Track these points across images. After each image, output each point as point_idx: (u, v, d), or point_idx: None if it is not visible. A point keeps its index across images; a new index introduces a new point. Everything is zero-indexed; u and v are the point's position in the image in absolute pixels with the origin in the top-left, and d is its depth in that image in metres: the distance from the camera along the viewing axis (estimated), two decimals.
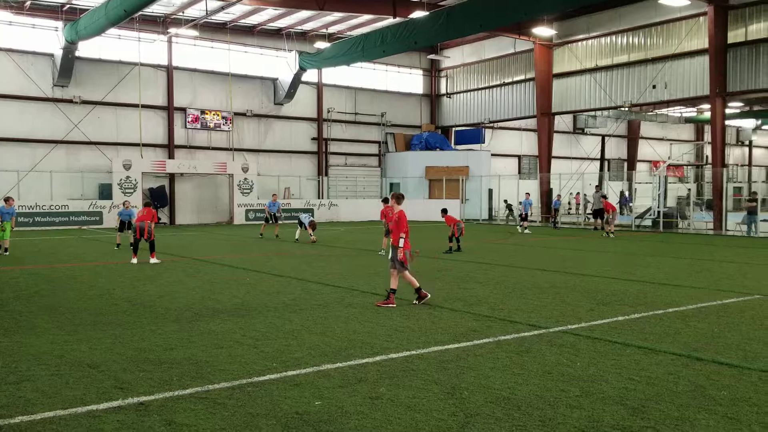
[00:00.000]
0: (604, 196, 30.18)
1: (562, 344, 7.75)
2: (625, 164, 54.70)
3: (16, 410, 5.43)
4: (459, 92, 45.71)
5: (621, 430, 5.00)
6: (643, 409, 5.48)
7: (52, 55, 33.22)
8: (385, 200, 19.41)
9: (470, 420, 5.20)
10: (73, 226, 31.49)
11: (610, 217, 27.54)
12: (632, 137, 55.24)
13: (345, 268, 15.79)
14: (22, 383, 6.20)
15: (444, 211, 21.05)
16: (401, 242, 10.29)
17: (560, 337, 8.17)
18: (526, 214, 29.96)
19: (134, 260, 16.52)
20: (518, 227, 30.79)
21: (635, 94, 34.95)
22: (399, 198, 10.86)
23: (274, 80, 39.92)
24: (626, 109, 39.86)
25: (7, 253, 18.79)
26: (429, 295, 10.51)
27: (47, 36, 33.00)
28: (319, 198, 41.00)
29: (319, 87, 41.96)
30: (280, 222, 27.22)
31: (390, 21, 34.36)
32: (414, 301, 10.46)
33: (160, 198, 35.57)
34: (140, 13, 29.13)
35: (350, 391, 5.96)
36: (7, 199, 19.68)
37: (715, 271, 15.43)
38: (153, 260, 16.51)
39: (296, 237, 24.15)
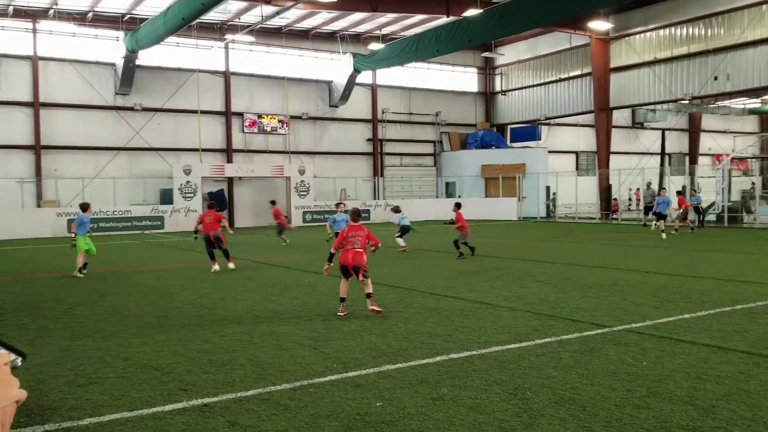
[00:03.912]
0: (679, 192, 29.29)
1: (626, 343, 7.57)
2: (687, 158, 53.25)
3: (84, 412, 5.58)
4: (514, 89, 45.23)
5: (691, 431, 4.85)
6: (713, 409, 5.30)
7: (113, 65, 34.17)
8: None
9: (534, 421, 5.11)
10: (136, 231, 32.27)
11: (680, 212, 26.78)
12: (693, 130, 53.77)
13: (402, 268, 15.77)
14: (90, 385, 6.37)
15: (457, 206, 17.63)
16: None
17: (624, 335, 7.98)
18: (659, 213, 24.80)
19: (216, 267, 15.39)
20: (653, 225, 26.74)
21: (696, 86, 33.99)
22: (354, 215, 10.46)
23: (329, 83, 40.23)
24: (687, 102, 38.84)
25: (84, 273, 15.17)
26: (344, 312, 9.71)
27: (109, 46, 33.96)
28: (375, 199, 41.08)
29: (374, 88, 42.09)
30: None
31: (444, 20, 34.21)
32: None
33: (219, 201, 36.23)
34: (197, 20, 29.72)
35: (411, 392, 5.93)
36: (85, 207, 15.56)
37: None
38: (231, 265, 15.61)
39: (403, 246, 19.69)
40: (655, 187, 35.53)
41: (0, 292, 13.02)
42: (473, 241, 18.32)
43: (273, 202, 25.54)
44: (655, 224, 25.68)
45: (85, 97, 33.90)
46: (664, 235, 23.39)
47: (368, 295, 9.85)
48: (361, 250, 9.91)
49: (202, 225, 15.97)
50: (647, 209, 30.61)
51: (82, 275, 14.95)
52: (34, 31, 32.65)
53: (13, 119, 32.48)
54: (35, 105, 32.70)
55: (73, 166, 33.52)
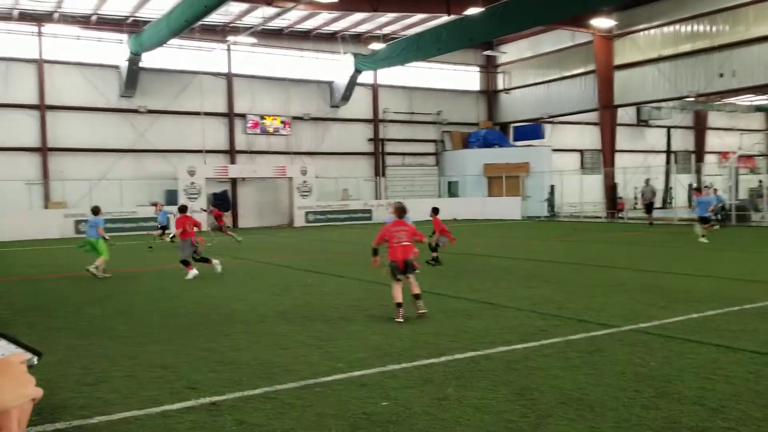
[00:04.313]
0: (697, 189, 29.11)
1: (634, 343, 7.53)
2: (693, 156, 53.09)
3: (94, 411, 5.59)
4: (516, 88, 45.08)
5: None
6: (722, 409, 5.26)
7: (117, 67, 34.21)
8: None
9: (542, 421, 5.09)
10: (142, 231, 32.25)
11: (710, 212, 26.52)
12: (699, 128, 53.50)
13: None
14: (98, 384, 6.38)
15: (435, 211, 16.71)
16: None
17: (632, 335, 7.94)
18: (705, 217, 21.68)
19: (195, 271, 14.64)
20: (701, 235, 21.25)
21: (701, 83, 33.86)
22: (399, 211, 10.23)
23: (330, 83, 40.20)
24: (692, 99, 38.71)
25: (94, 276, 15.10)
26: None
27: (113, 48, 33.99)
28: (377, 198, 41.03)
29: (375, 88, 42.05)
30: (168, 232, 23.64)
31: (444, 19, 34.13)
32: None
33: (224, 202, 36.22)
34: (200, 22, 29.74)
35: (417, 391, 5.92)
36: (97, 210, 15.71)
37: None
38: (192, 271, 14.59)
39: None
40: (655, 183, 35.29)
41: (9, 293, 13.08)
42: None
43: (216, 205, 26.05)
44: (702, 235, 21.04)
45: (91, 100, 33.96)
46: (705, 239, 20.58)
47: (417, 297, 9.45)
48: (409, 243, 9.67)
49: (181, 231, 14.96)
50: (648, 207, 30.48)
51: (94, 272, 14.89)
52: (39, 34, 32.75)
53: (21, 122, 32.57)
54: (41, 108, 32.80)
55: (80, 167, 33.58)
